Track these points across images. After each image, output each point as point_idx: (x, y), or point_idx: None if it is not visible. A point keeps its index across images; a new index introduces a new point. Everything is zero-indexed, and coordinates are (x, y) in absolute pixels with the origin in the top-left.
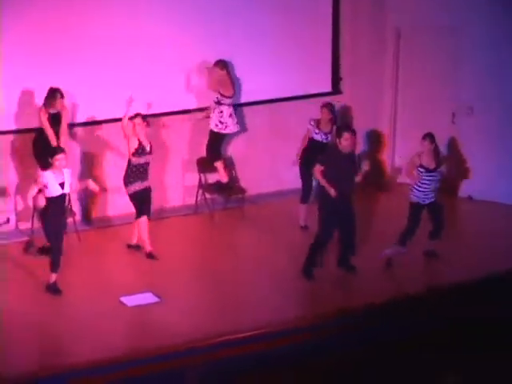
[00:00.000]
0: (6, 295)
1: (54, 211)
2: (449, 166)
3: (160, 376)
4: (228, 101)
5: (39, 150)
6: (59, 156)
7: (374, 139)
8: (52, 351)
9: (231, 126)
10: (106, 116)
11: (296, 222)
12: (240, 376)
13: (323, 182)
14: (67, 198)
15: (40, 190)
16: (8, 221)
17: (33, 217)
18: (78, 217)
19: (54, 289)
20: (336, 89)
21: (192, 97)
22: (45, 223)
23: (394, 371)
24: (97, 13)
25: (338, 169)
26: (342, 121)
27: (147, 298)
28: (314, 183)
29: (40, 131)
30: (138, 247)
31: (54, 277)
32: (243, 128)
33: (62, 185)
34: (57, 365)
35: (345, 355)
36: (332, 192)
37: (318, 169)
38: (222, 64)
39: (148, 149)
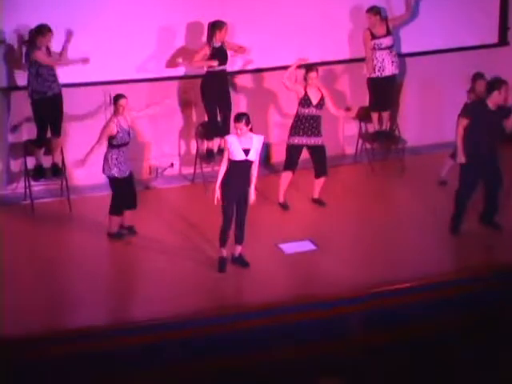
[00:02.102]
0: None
1: (233, 176)
2: None
3: (321, 322)
4: (384, 45)
5: (207, 95)
6: (239, 124)
7: None
8: (218, 296)
9: (386, 70)
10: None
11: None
12: (400, 324)
13: (459, 142)
14: (253, 165)
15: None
16: (172, 165)
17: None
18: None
19: (241, 261)
20: (503, 40)
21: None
22: (222, 187)
23: None
24: None
25: (485, 124)
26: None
27: (305, 245)
28: None
29: (208, 76)
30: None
31: (239, 249)
32: (408, 77)
33: (246, 151)
34: (223, 306)
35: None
36: (462, 159)
37: (461, 122)
38: (375, 10)
39: (315, 102)
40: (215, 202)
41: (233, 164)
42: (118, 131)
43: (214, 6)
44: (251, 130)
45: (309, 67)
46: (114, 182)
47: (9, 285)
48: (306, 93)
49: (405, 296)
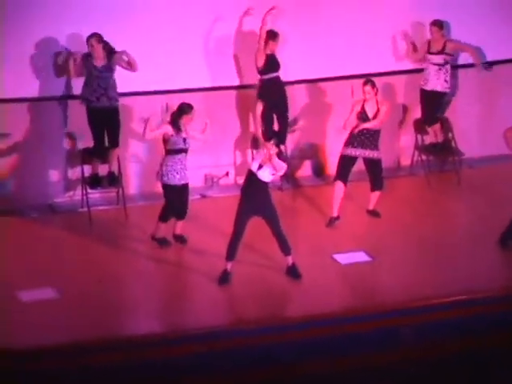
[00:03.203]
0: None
1: (247, 186)
2: None
3: (375, 332)
4: (433, 61)
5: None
6: (267, 144)
7: None
8: (271, 305)
9: (452, 87)
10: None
11: None
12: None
13: None
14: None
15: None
16: (227, 175)
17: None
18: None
19: (293, 272)
20: None
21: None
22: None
23: None
24: None
25: None
26: None
27: (359, 256)
28: None
29: (264, 84)
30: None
31: (290, 259)
32: (465, 88)
33: (260, 167)
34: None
35: None
36: None
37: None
38: (440, 24)
39: (371, 115)
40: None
41: (249, 173)
42: (172, 134)
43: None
44: (279, 153)
45: (365, 81)
46: (165, 188)
47: (66, 292)
48: (362, 107)
49: (457, 309)
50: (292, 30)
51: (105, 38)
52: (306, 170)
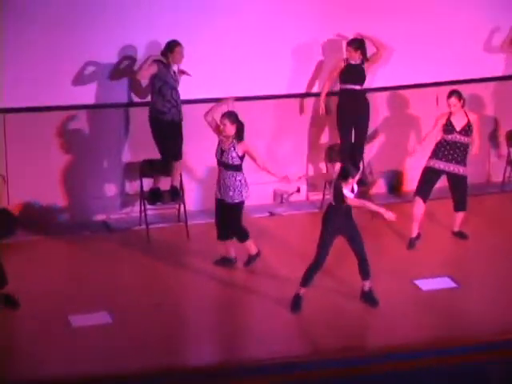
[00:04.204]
0: None
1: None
2: None
3: (459, 368)
4: None
5: (341, 116)
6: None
7: None
8: (344, 335)
9: None
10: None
11: None
12: None
13: None
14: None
15: None
16: (298, 191)
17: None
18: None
19: (370, 298)
20: None
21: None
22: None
23: None
24: None
25: None
26: None
27: (444, 282)
28: None
29: (344, 95)
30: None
31: (367, 284)
32: None
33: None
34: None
35: None
36: None
37: None
38: None
39: (459, 128)
40: (392, 217)
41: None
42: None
43: (351, 22)
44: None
45: (450, 92)
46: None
47: (121, 317)
48: (448, 119)
49: None
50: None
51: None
52: (380, 186)
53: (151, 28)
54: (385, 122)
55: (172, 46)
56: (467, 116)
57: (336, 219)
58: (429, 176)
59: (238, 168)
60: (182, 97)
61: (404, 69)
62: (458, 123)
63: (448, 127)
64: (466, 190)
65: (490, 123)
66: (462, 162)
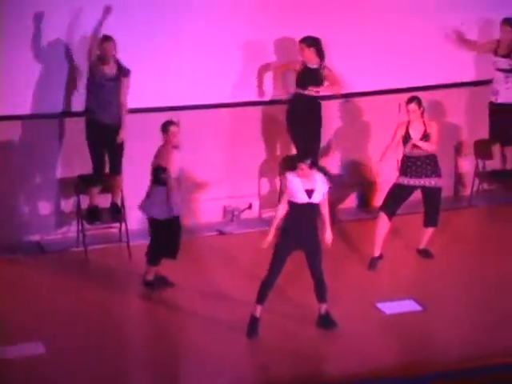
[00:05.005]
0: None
1: (292, 222)
2: None
3: None
4: (499, 66)
5: (293, 123)
6: (304, 165)
7: None
8: (301, 364)
9: (500, 96)
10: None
11: None
12: None
13: None
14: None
15: None
16: (250, 207)
17: None
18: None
19: (327, 322)
20: None
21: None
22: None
23: None
24: None
25: None
26: None
27: (408, 305)
28: None
29: (296, 100)
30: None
31: (324, 307)
32: None
33: (310, 192)
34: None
35: None
36: None
37: None
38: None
39: (417, 139)
40: (265, 245)
41: (293, 207)
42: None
43: (303, 28)
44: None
45: (409, 98)
46: (153, 224)
47: (57, 347)
48: (407, 130)
49: None
50: (330, 39)
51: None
52: (349, 201)
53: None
54: (341, 131)
55: (101, 41)
56: (425, 125)
57: (297, 228)
58: (397, 192)
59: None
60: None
61: (367, 75)
62: (416, 134)
63: (407, 139)
64: (439, 204)
65: (456, 132)
66: (434, 173)
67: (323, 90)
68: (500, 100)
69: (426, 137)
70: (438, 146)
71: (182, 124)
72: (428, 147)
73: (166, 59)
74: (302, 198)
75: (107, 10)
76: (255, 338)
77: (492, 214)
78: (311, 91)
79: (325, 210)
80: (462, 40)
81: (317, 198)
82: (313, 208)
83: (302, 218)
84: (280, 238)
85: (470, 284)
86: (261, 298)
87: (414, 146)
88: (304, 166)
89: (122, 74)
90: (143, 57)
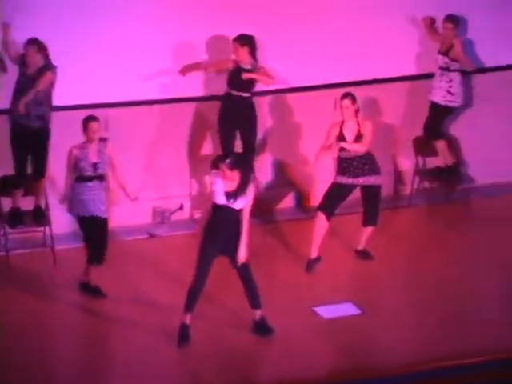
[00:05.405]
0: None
1: (215, 224)
2: None
3: None
4: (459, 65)
5: (222, 122)
6: (224, 166)
7: None
8: (238, 368)
9: (460, 98)
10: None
11: None
12: None
13: None
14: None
15: None
16: (181, 208)
17: None
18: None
19: (263, 328)
20: None
21: (407, 62)
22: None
23: None
24: None
25: None
26: None
27: (346, 308)
28: None
29: (227, 98)
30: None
31: (258, 313)
32: (476, 99)
33: (229, 195)
34: None
35: None
36: None
37: None
38: (455, 20)
39: (350, 139)
40: None
41: (213, 208)
42: (80, 159)
43: (229, 19)
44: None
45: (343, 94)
46: (78, 222)
47: None
48: (340, 130)
49: (469, 374)
50: (264, 35)
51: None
52: (287, 200)
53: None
54: (277, 127)
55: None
56: (359, 125)
57: (219, 233)
58: (335, 191)
59: None
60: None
61: (301, 71)
62: (349, 134)
63: (341, 139)
64: (378, 202)
65: (394, 129)
66: (372, 171)
67: (256, 75)
68: (431, 98)
69: (359, 137)
70: (371, 146)
71: (110, 122)
72: (358, 148)
73: (94, 56)
74: (220, 200)
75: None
76: (186, 346)
77: (432, 213)
78: (245, 75)
79: (245, 221)
80: (431, 28)
81: (237, 202)
82: (233, 212)
83: (222, 221)
84: (202, 241)
85: (409, 284)
86: (189, 305)
87: (343, 148)
88: (224, 167)
89: (46, 69)
90: (69, 53)
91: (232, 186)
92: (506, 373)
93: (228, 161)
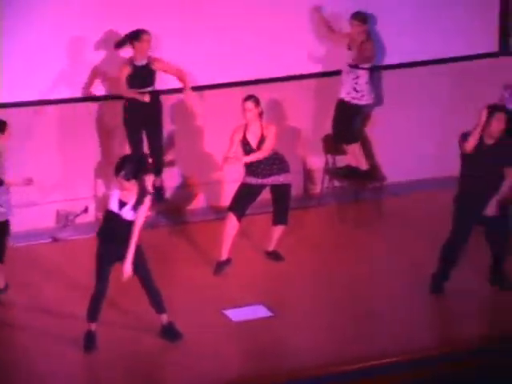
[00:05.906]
0: None
1: (106, 230)
2: None
3: None
4: (367, 64)
5: (129, 121)
6: (119, 178)
7: None
8: (145, 375)
9: (367, 96)
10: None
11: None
12: None
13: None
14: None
15: None
16: (86, 210)
17: None
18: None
19: (171, 333)
20: (505, 47)
21: (315, 59)
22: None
23: None
24: None
25: (480, 160)
26: None
27: (257, 311)
28: None
29: (132, 98)
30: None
31: (165, 318)
32: (379, 99)
33: (122, 204)
34: None
35: None
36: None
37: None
38: (362, 17)
39: (254, 145)
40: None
41: (105, 213)
42: None
43: (137, 15)
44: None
45: (246, 96)
46: None
47: None
48: (244, 135)
49: (382, 375)
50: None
51: None
52: (198, 201)
53: None
54: (182, 127)
55: None
56: (262, 129)
57: (109, 238)
58: (245, 191)
59: None
60: None
61: (204, 69)
62: (253, 138)
63: (245, 146)
64: (288, 201)
65: (303, 127)
66: (281, 170)
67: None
68: (339, 95)
69: (262, 141)
70: (279, 146)
71: (9, 122)
72: (261, 156)
73: None
74: (112, 206)
75: None
76: (93, 352)
77: (342, 212)
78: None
79: (134, 234)
80: (328, 27)
81: (128, 213)
82: (123, 222)
83: (112, 227)
84: (97, 248)
85: (321, 285)
86: (92, 313)
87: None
88: (120, 180)
89: None
90: None
91: (130, 196)
92: (418, 373)
93: (123, 173)
